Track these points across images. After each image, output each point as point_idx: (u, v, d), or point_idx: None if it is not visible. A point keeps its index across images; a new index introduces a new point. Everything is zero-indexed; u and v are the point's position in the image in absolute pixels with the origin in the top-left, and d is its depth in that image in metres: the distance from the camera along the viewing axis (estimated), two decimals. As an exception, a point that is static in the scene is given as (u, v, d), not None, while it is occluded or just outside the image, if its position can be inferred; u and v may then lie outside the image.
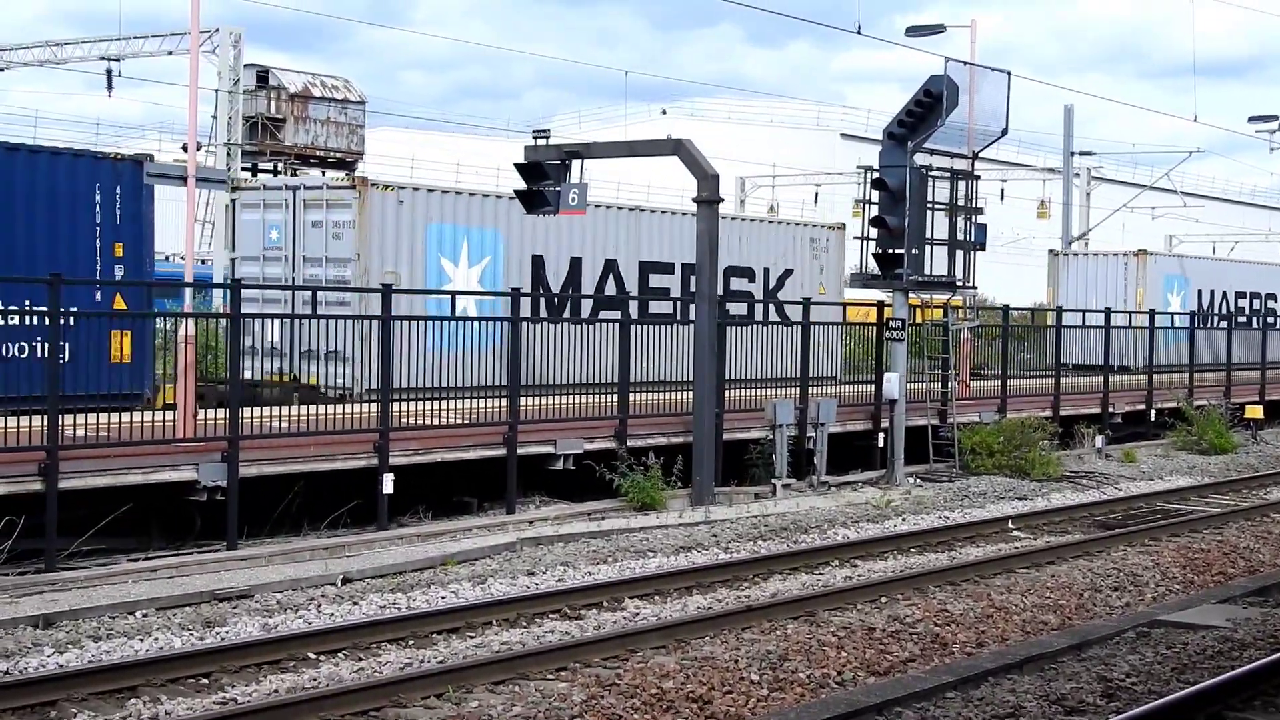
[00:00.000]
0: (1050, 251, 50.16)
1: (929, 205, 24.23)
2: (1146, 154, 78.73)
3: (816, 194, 66.20)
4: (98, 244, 20.69)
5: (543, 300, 27.52)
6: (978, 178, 25.84)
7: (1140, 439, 31.06)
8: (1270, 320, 45.26)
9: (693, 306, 22.10)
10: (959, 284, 25.13)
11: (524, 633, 13.63)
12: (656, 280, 29.97)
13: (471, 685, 11.63)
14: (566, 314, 27.39)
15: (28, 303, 19.06)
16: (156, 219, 21.76)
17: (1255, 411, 32.43)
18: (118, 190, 20.75)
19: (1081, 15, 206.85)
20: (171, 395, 18.80)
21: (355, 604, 14.42)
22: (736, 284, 31.82)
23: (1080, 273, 47.19)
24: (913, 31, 38.31)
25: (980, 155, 26.43)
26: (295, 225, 26.28)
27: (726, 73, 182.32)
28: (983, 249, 26.42)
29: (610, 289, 28.73)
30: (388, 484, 18.22)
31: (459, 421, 20.03)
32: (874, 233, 24.09)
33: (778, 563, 17.25)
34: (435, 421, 19.74)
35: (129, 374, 20.20)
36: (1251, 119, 41.03)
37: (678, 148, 22.08)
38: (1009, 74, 25.02)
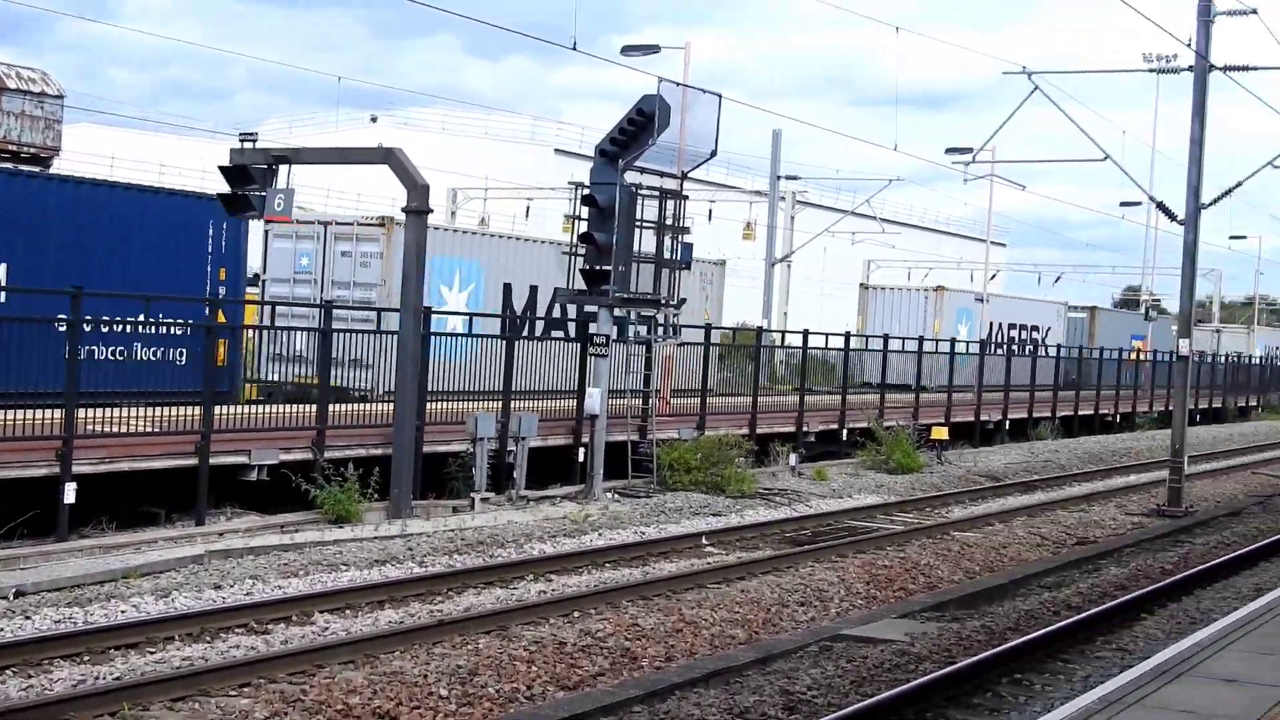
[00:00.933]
0: (861, 285, 56.25)
1: (638, 223, 24.50)
2: (850, 180, 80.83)
3: (528, 208, 66.34)
4: (208, 269, 25.04)
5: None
6: (686, 197, 26.24)
7: (833, 457, 31.93)
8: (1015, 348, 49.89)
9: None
10: (665, 301, 25.45)
11: (207, 648, 13.31)
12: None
13: (149, 702, 11.30)
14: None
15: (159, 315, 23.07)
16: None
17: (941, 433, 33.62)
18: (224, 225, 24.43)
19: (795, 43, 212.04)
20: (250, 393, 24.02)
21: (28, 618, 13.84)
22: (641, 310, 33.11)
23: (887, 304, 52.52)
24: (628, 51, 38.69)
25: (690, 175, 26.83)
26: (325, 254, 30.47)
27: (445, 83, 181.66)
28: (688, 268, 26.83)
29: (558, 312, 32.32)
30: (69, 493, 17.55)
31: (149, 430, 19.41)
32: (583, 248, 24.25)
33: (472, 577, 17.21)
34: (124, 429, 19.06)
35: (225, 376, 23.07)
36: (948, 150, 42.44)
37: (388, 156, 21.89)
38: (720, 97, 25.44)
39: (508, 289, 32.50)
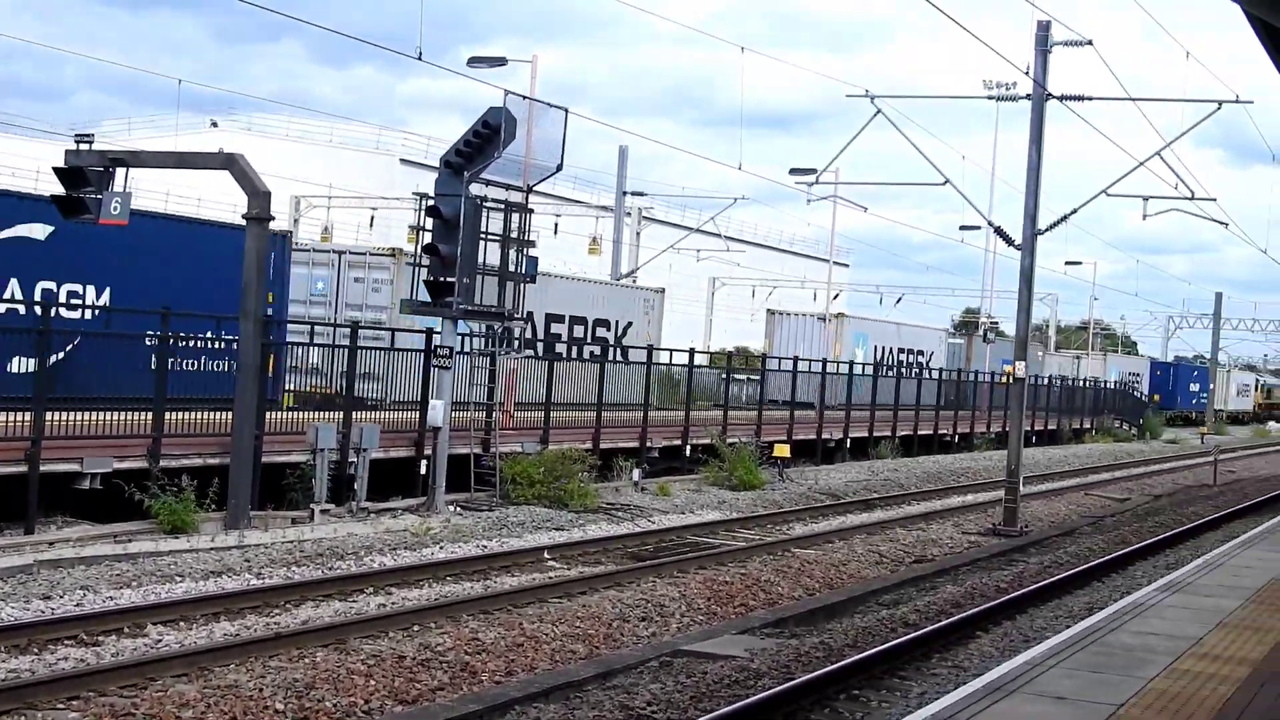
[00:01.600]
0: (768, 311, 59.94)
1: (483, 235, 24.39)
2: (696, 198, 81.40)
3: (373, 218, 65.78)
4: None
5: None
6: (532, 210, 26.18)
7: (676, 473, 32.01)
8: (905, 370, 53.08)
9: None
10: (509, 315, 25.36)
11: (35, 660, 12.95)
12: (556, 327, 39.62)
13: (-30, 716, 10.98)
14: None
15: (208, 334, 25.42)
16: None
17: (783, 450, 33.89)
18: (273, 255, 24.80)
19: (643, 60, 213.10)
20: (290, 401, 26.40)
21: None
22: (600, 332, 42.06)
23: (791, 328, 56.17)
24: (475, 62, 38.56)
25: (536, 189, 26.76)
26: (339, 279, 34.97)
27: (290, 90, 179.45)
28: (533, 281, 26.75)
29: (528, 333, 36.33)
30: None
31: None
32: (427, 260, 24.08)
33: (311, 589, 16.97)
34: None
35: (270, 385, 24.13)
36: (792, 171, 42.92)
37: (230, 162, 21.56)
38: (567, 111, 25.43)
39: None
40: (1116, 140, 43.87)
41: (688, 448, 33.26)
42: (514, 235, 25.11)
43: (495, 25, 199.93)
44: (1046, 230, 29.86)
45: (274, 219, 21.98)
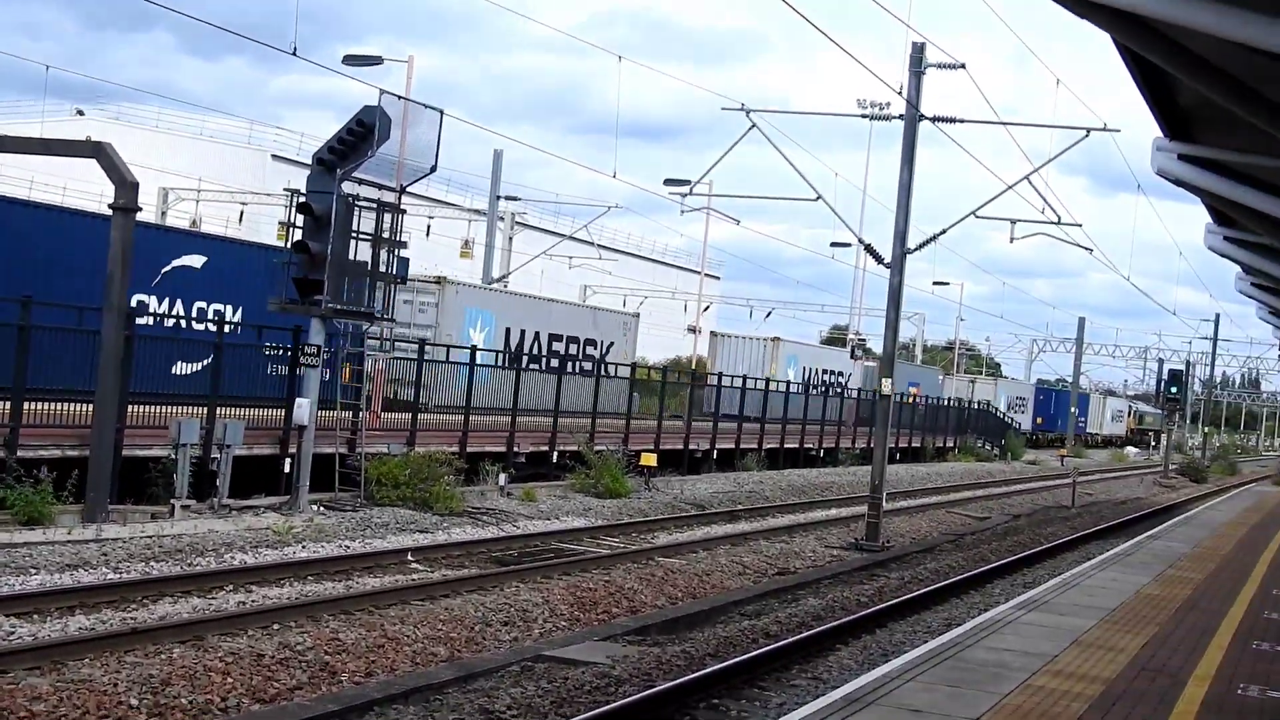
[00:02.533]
0: (712, 333, 66.53)
1: (354, 234, 24.17)
2: (569, 205, 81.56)
3: (242, 213, 65.08)
4: None
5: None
6: (404, 211, 25.97)
7: (544, 479, 31.96)
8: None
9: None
10: (378, 315, 25.16)
11: (-120, 650, 12.64)
12: (556, 345, 47.23)
13: None
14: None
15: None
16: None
17: (650, 459, 33.94)
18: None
19: (519, 65, 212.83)
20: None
21: None
22: (590, 350, 48.89)
23: (733, 349, 61.83)
24: (350, 60, 38.36)
25: (409, 189, 26.60)
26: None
27: (159, 80, 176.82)
28: (404, 282, 26.60)
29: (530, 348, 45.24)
30: None
31: None
32: (297, 257, 23.81)
33: (169, 585, 16.72)
34: None
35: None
36: (667, 181, 43.22)
37: (97, 151, 21.21)
38: (442, 113, 25.29)
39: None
40: (986, 163, 44.84)
41: (555, 454, 33.24)
42: (385, 235, 24.91)
43: (371, 23, 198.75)
44: (916, 249, 30.25)
45: (140, 209, 21.64)
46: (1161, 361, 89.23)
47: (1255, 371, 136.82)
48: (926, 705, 10.65)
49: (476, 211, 67.19)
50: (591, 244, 69.92)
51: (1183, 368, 79.02)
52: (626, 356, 49.31)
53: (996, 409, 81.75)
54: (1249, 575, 21.52)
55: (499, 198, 58.38)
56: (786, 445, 46.92)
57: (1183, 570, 21.38)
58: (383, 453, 26.52)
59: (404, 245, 25.87)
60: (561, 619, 17.98)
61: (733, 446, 42.99)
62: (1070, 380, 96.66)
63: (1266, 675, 13.00)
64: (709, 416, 43.70)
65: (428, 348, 32.48)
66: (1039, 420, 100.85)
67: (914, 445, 59.83)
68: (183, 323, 29.40)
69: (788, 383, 53.59)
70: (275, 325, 26.35)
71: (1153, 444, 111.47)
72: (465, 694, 13.42)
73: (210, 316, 29.44)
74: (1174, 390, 69.82)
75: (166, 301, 29.90)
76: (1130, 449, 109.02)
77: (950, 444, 66.33)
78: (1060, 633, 14.38)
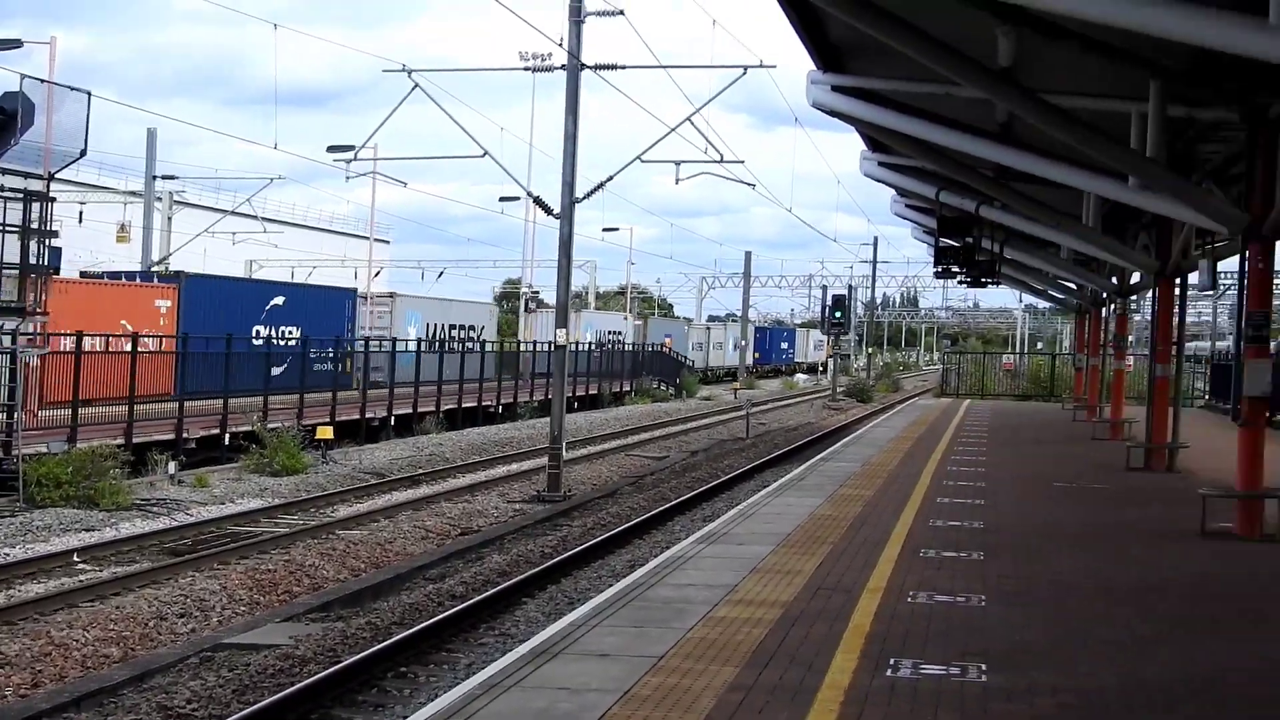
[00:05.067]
0: (524, 306, 75.46)
1: (0, 227, 23.15)
2: (230, 179, 79.66)
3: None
4: (345, 326, 49.25)
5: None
6: (53, 199, 24.98)
7: (216, 463, 31.12)
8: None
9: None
10: (30, 310, 24.07)
11: None
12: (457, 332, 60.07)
13: None
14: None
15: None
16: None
17: (326, 432, 33.39)
18: (347, 303, 51.55)
19: (169, 39, 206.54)
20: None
21: None
22: (472, 334, 60.49)
23: (546, 322, 65.90)
24: (-13, 45, 36.65)
25: (58, 176, 25.62)
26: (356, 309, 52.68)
27: None
28: (57, 273, 25.59)
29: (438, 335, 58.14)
30: None
31: None
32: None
33: None
34: None
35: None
36: (330, 149, 42.13)
37: None
38: (89, 94, 24.38)
39: None
40: (650, 108, 45.58)
41: (226, 436, 32.41)
42: (35, 226, 23.85)
43: (9, 6, 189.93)
44: (584, 198, 30.43)
45: None
46: (825, 288, 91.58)
47: (913, 290, 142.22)
48: (613, 649, 10.69)
49: (133, 193, 65.03)
50: (255, 218, 68.42)
51: (845, 292, 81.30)
52: (491, 334, 64.53)
53: (677, 352, 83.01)
54: (915, 487, 22.27)
55: (155, 177, 56.54)
56: (465, 405, 46.70)
57: (854, 489, 22.00)
58: (42, 453, 25.42)
59: (55, 235, 24.91)
60: (241, 604, 17.55)
61: (410, 411, 42.62)
62: (740, 315, 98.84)
63: (934, 582, 13.45)
64: (382, 385, 43.03)
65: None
66: (756, 355, 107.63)
67: (591, 393, 60.31)
68: None
69: (468, 343, 53.63)
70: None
71: (821, 369, 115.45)
72: (142, 693, 13.00)
73: None
74: (838, 315, 71.85)
75: None
76: (799, 375, 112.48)
77: (627, 388, 67.00)
78: (740, 562, 14.61)
